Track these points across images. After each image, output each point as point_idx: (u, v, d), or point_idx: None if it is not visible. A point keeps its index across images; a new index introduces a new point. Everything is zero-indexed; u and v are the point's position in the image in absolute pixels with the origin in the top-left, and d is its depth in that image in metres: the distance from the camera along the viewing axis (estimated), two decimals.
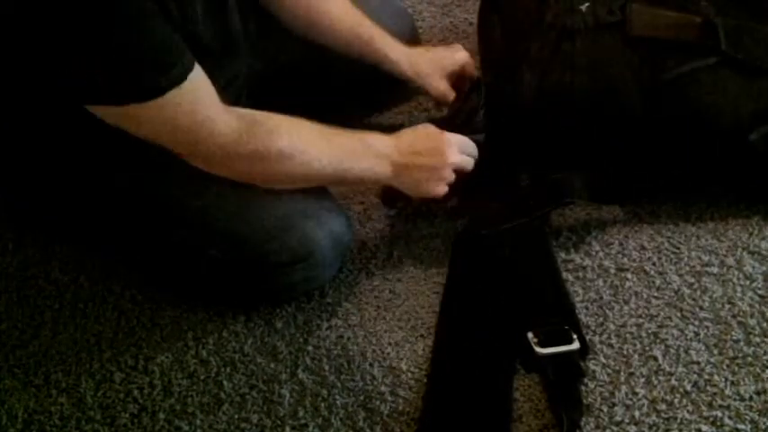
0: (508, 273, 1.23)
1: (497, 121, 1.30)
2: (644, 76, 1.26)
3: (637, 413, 1.08)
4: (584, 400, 1.09)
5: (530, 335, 1.14)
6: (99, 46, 0.99)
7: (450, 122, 1.30)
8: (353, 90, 1.43)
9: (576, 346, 1.13)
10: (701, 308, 1.19)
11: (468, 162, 1.26)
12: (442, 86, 1.39)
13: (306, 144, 1.14)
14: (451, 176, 1.24)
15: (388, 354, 1.17)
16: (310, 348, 1.18)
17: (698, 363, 1.13)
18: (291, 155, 1.13)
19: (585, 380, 1.11)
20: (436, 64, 1.39)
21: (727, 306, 1.19)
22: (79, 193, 1.20)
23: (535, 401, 1.10)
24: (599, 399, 1.10)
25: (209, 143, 1.09)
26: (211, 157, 1.11)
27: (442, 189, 1.24)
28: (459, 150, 1.24)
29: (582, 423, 1.07)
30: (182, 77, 1.03)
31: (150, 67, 1.02)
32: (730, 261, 1.25)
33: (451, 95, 1.38)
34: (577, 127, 1.29)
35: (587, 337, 1.16)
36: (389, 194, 1.30)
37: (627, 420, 1.07)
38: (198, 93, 1.06)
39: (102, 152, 1.17)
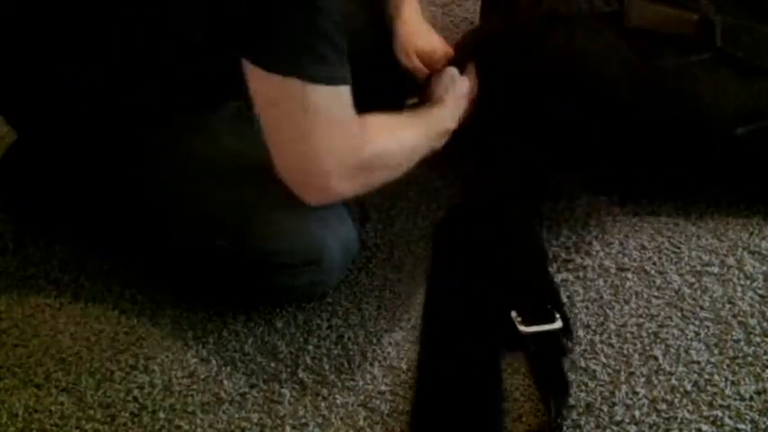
0: (493, 253, 1.25)
1: (489, 108, 1.31)
2: (636, 67, 1.26)
3: (637, 413, 1.08)
4: (585, 400, 1.09)
5: (513, 314, 1.15)
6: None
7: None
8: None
9: (558, 325, 1.15)
10: (702, 307, 1.19)
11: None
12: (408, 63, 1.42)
13: (397, 144, 1.18)
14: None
15: (389, 353, 1.17)
16: (310, 348, 1.18)
17: (698, 362, 1.13)
18: (387, 160, 1.16)
19: (586, 379, 1.12)
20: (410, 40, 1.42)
21: (728, 306, 1.19)
22: (83, 186, 1.20)
23: (535, 401, 1.10)
24: (599, 398, 1.10)
25: (331, 148, 1.08)
26: (320, 172, 1.10)
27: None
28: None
29: (582, 423, 1.07)
30: (342, 81, 1.06)
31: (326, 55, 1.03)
32: (731, 261, 1.25)
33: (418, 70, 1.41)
34: (566, 115, 1.29)
35: (588, 337, 1.16)
36: None
37: (627, 420, 1.07)
38: (344, 101, 1.07)
39: (104, 150, 1.17)
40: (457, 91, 1.31)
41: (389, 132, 1.16)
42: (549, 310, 1.16)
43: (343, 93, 1.06)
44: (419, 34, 1.43)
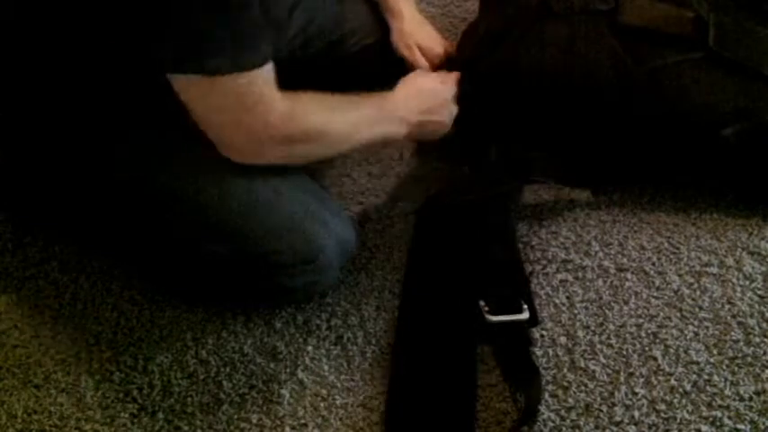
0: (467, 242, 1.25)
1: (472, 95, 1.32)
2: (625, 63, 1.26)
3: (636, 413, 1.08)
4: (584, 400, 1.10)
5: (481, 302, 1.16)
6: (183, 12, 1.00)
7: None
8: (360, 82, 1.44)
9: (525, 315, 1.16)
10: (701, 308, 1.19)
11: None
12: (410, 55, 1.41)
13: (334, 122, 1.17)
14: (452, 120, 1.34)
15: (388, 354, 1.17)
16: (310, 348, 1.18)
17: (697, 363, 1.13)
18: (323, 134, 1.16)
19: (585, 380, 1.12)
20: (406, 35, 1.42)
21: (727, 306, 1.19)
22: (79, 188, 1.20)
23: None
24: (598, 399, 1.10)
25: (258, 126, 1.10)
26: (252, 142, 1.11)
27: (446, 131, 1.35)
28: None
29: (581, 423, 1.07)
30: (253, 65, 1.05)
31: (227, 46, 1.03)
32: (730, 261, 1.25)
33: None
34: (551, 107, 1.30)
35: (587, 337, 1.16)
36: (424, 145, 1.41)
37: (626, 420, 1.07)
38: (261, 81, 1.07)
39: (102, 147, 1.17)
40: (421, 86, 1.31)
41: (324, 109, 1.16)
42: (517, 301, 1.17)
43: (255, 75, 1.06)
44: (419, 27, 1.43)
